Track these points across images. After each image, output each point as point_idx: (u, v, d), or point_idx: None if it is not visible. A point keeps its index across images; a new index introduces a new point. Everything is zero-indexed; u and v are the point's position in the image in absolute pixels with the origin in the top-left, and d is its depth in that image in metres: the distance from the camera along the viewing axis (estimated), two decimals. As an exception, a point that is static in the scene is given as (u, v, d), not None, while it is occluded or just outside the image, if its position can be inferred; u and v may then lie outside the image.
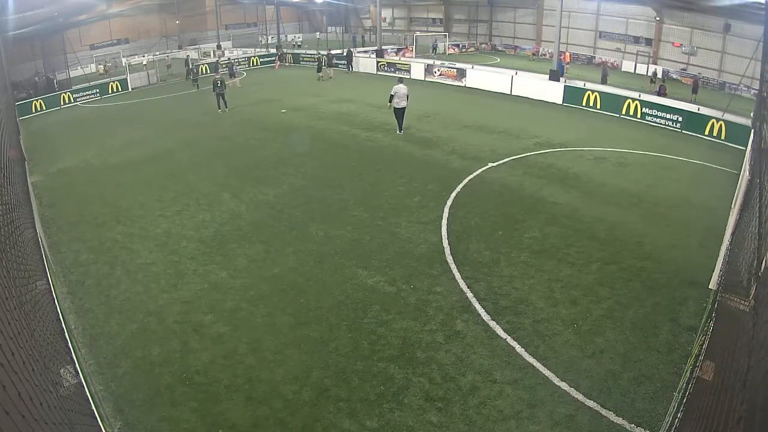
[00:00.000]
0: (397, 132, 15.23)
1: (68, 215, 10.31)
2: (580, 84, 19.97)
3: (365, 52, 32.97)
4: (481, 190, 10.84)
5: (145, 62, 30.76)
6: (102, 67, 34.83)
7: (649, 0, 31.82)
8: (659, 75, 30.27)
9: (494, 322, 6.44)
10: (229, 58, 33.02)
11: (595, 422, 4.90)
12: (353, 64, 29.99)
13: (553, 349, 5.92)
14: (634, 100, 17.33)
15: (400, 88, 14.71)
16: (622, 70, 34.10)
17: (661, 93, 21.36)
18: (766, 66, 7.56)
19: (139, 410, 5.21)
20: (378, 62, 29.18)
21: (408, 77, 25.83)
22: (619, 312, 6.60)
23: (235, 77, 25.94)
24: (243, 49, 39.65)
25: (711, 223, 8.69)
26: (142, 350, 6.12)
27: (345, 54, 30.67)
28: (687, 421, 3.77)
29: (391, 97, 14.80)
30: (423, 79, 25.82)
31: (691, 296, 6.89)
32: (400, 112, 14.97)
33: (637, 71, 33.10)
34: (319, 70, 27.01)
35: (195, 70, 26.49)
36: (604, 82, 23.60)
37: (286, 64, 34.21)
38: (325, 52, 30.98)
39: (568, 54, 34.02)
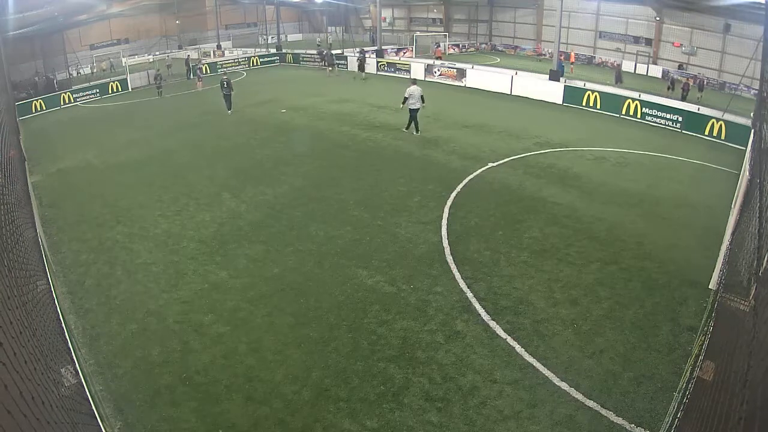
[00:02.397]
0: (414, 133, 15.02)
1: (68, 215, 10.31)
2: (580, 84, 19.98)
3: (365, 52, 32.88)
4: (482, 190, 10.84)
5: (152, 60, 30.70)
6: (105, 63, 34.55)
7: (649, 0, 31.82)
8: (674, 76, 27.64)
9: (494, 322, 6.44)
10: (199, 59, 32.40)
11: (595, 422, 4.90)
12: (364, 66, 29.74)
13: (553, 349, 5.93)
14: (634, 100, 17.34)
15: (415, 90, 14.54)
16: (622, 70, 34.09)
17: (685, 92, 21.38)
18: (766, 66, 7.56)
19: (139, 410, 5.22)
20: (378, 62, 29.17)
21: (408, 77, 25.83)
22: (619, 312, 6.60)
23: (200, 80, 25.77)
24: (243, 49, 39.65)
25: (711, 223, 8.70)
26: (142, 350, 6.12)
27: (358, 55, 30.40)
28: (687, 421, 3.77)
29: (405, 99, 14.62)
30: (423, 79, 25.80)
31: (691, 296, 6.89)
32: (414, 113, 14.84)
33: (636, 71, 33.09)
34: (330, 65, 28.93)
35: (160, 78, 24.86)
36: (618, 82, 23.58)
37: (332, 70, 29.30)
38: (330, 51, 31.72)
39: (572, 54, 33.97)
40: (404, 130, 15.26)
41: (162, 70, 27.49)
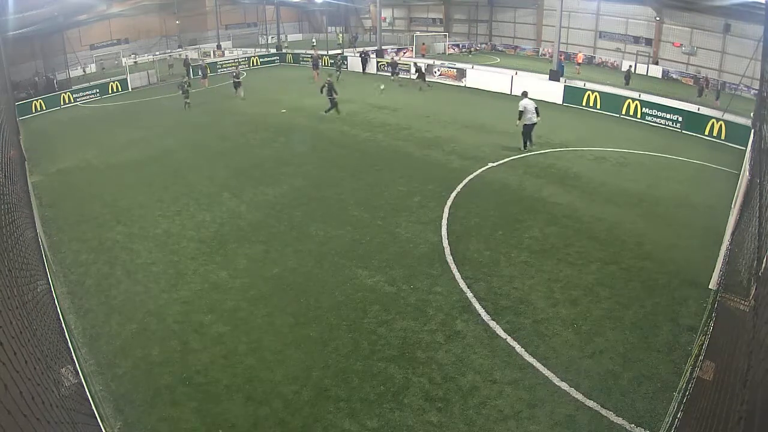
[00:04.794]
0: (522, 149, 13.39)
1: (68, 215, 10.31)
2: (580, 84, 19.98)
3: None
4: (481, 190, 10.84)
5: (152, 60, 30.57)
6: (132, 56, 35.02)
7: (649, 0, 31.82)
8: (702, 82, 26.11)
9: (494, 322, 6.44)
10: (201, 59, 31.70)
11: (595, 422, 4.90)
12: (367, 66, 29.75)
13: (553, 349, 5.93)
14: (634, 100, 17.34)
15: (528, 103, 13.00)
16: (622, 70, 34.11)
17: (717, 93, 21.48)
18: (766, 66, 7.56)
19: (139, 410, 5.22)
20: (378, 62, 29.16)
21: (407, 77, 25.82)
22: (619, 312, 6.60)
23: (239, 85, 22.32)
24: (243, 49, 39.65)
25: (711, 223, 8.70)
26: (142, 350, 6.12)
27: (361, 56, 30.29)
28: (687, 421, 3.77)
29: (521, 113, 12.99)
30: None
31: (691, 296, 6.89)
32: (530, 128, 13.22)
33: (637, 71, 33.08)
34: (338, 69, 26.72)
35: (185, 87, 20.57)
36: (627, 83, 23.73)
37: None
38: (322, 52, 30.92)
39: (579, 55, 33.85)
40: (522, 149, 13.40)
41: (186, 77, 23.74)
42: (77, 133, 17.94)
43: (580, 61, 32.90)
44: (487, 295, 7.04)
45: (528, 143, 13.54)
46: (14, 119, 13.00)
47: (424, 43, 38.75)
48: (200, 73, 26.29)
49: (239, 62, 28.22)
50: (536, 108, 13.05)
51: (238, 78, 22.91)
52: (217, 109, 19.30)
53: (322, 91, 17.92)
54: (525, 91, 13.98)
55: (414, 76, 24.77)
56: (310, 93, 22.68)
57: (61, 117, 21.41)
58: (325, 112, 17.72)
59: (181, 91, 20.53)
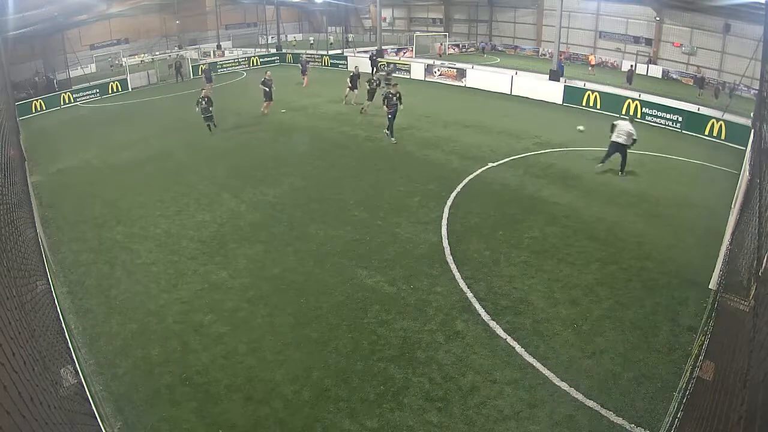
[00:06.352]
0: (597, 165, 11.85)
1: (68, 215, 10.31)
2: (580, 84, 19.98)
3: (365, 52, 32.84)
4: (481, 190, 10.84)
5: (151, 59, 30.28)
6: (142, 56, 34.93)
7: (649, 0, 31.82)
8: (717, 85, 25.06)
9: (494, 322, 6.44)
10: (203, 60, 31.45)
11: (595, 422, 4.90)
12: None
13: (553, 349, 5.93)
14: (634, 100, 17.34)
15: (623, 124, 11.42)
16: (622, 70, 34.10)
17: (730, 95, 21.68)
18: (766, 66, 7.56)
19: (139, 410, 5.22)
20: (378, 62, 29.11)
21: (408, 77, 25.82)
22: (619, 312, 6.60)
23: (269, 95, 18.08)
24: (243, 49, 39.64)
25: (711, 223, 8.69)
26: (142, 350, 6.12)
27: (371, 57, 29.99)
28: (687, 421, 3.77)
29: (613, 126, 11.53)
30: (423, 79, 25.82)
31: (691, 296, 6.89)
32: (618, 149, 11.54)
33: (636, 71, 33.06)
34: (354, 87, 19.58)
35: (208, 102, 15.78)
36: (629, 83, 23.76)
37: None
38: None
39: (591, 57, 33.60)
40: (598, 165, 11.85)
41: (207, 89, 17.67)
42: (77, 133, 17.94)
43: (593, 62, 32.65)
44: (487, 295, 7.04)
45: (603, 162, 11.78)
46: (14, 119, 12.99)
47: (441, 43, 38.18)
48: (202, 75, 26.03)
49: (267, 72, 22.01)
50: (629, 133, 11.26)
51: (268, 87, 18.06)
52: (217, 110, 19.24)
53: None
54: (631, 116, 12.06)
55: (349, 88, 19.34)
56: (309, 93, 22.72)
57: (61, 117, 21.40)
58: (388, 131, 14.57)
59: (199, 110, 15.81)
